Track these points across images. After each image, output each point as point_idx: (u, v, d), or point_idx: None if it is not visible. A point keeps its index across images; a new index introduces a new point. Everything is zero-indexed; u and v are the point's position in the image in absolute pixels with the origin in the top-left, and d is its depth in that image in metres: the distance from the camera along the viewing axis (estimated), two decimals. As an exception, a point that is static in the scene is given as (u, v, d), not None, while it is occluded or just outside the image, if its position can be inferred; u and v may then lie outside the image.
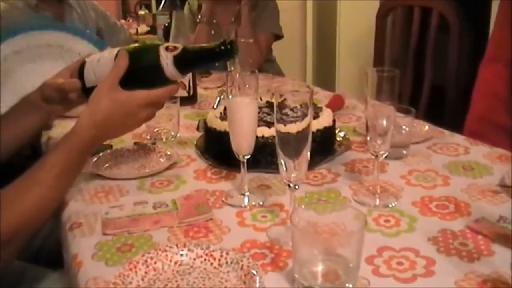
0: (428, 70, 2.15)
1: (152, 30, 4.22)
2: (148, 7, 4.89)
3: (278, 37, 2.43)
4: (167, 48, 1.04)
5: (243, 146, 1.04)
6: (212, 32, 2.38)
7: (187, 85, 1.73)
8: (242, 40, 2.23)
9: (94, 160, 1.24)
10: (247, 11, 2.28)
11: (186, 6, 2.50)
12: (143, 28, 4.45)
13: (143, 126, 1.45)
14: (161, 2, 2.24)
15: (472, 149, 1.30)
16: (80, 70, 1.14)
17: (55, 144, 1.04)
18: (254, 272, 0.79)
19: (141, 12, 4.76)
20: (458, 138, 1.38)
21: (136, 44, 1.12)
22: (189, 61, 1.05)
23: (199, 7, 2.41)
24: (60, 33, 2.02)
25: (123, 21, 4.38)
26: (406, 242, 0.90)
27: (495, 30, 1.62)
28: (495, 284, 0.79)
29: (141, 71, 1.06)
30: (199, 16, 2.35)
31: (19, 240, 0.95)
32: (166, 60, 1.03)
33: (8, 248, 0.92)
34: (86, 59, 1.15)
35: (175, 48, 1.04)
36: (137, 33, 4.21)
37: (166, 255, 0.85)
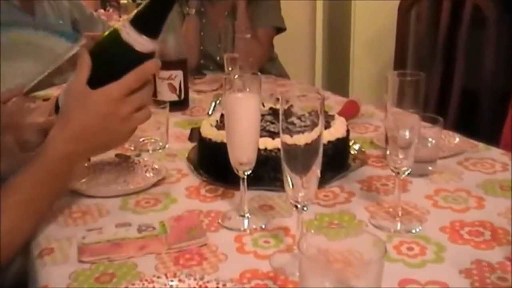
0: (459, 72, 2.16)
1: (136, 22, 4.23)
2: (132, -5, 4.91)
3: (280, 30, 2.45)
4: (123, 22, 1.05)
5: (242, 157, 1.05)
6: (201, 33, 2.40)
7: (177, 87, 1.74)
8: (239, 36, 2.25)
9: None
10: (244, 3, 2.30)
11: None
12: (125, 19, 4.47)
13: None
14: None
15: (512, 165, 1.31)
16: (56, 104, 1.12)
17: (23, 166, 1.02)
18: (255, 307, 0.80)
19: (124, 1, 4.78)
20: (495, 152, 1.39)
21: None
22: (147, 16, 1.03)
23: None
24: (35, 31, 2.07)
25: (101, 11, 4.40)
26: (433, 274, 0.91)
27: None
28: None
29: (108, 59, 1.05)
30: (187, 8, 2.37)
31: None
32: (125, 29, 1.02)
33: None
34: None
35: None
36: (118, 25, 4.22)
37: (154, 287, 0.86)
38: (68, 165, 1.03)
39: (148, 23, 1.03)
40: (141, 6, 1.04)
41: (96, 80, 1.03)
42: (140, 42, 1.02)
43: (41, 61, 1.99)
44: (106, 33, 1.06)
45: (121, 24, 1.03)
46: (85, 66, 1.03)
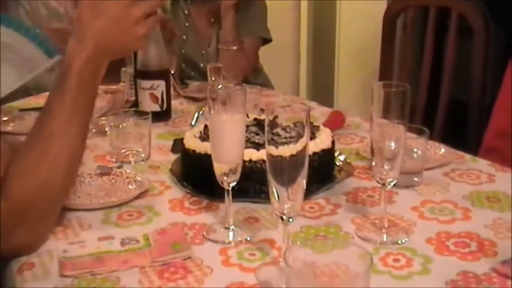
0: (446, 82, 2.18)
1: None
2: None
3: (266, 41, 2.47)
4: None
5: (227, 169, 1.06)
6: (184, 37, 2.41)
7: (159, 98, 1.75)
8: (225, 47, 2.26)
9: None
10: (233, 13, 2.30)
11: None
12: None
13: (108, 148, 1.48)
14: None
15: (498, 176, 1.34)
16: None
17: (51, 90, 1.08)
18: (241, 320, 0.81)
19: None
20: (481, 164, 1.42)
21: None
22: None
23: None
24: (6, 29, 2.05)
25: None
26: (419, 286, 0.93)
27: None
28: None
29: None
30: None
31: (55, 206, 1.08)
32: None
33: (47, 219, 1.07)
34: None
35: None
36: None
37: (137, 301, 0.87)
38: (93, 71, 1.08)
39: None
40: None
41: None
42: None
43: (18, 68, 1.99)
44: None
45: None
46: None
